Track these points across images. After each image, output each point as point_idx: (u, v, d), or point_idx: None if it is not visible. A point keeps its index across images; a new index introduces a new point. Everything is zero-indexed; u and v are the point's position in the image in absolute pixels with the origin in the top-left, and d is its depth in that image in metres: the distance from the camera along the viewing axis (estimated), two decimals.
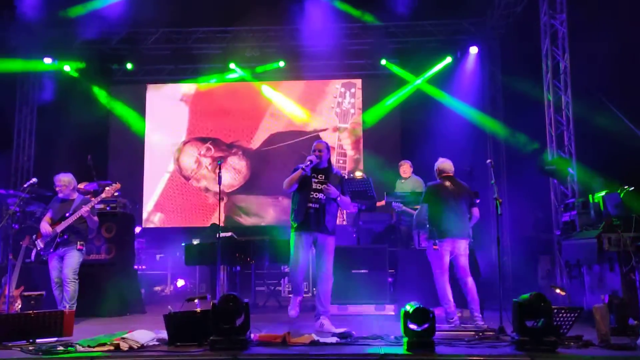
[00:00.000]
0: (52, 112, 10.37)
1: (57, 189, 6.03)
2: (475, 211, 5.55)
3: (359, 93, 11.15)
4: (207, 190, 11.19)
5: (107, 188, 6.01)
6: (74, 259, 5.87)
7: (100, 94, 11.14)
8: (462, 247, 5.45)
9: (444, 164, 5.67)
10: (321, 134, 10.99)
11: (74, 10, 9.41)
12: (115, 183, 6.14)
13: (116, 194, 6.07)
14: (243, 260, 6.63)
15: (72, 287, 5.79)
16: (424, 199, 5.61)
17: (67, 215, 5.85)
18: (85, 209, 5.79)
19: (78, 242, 5.90)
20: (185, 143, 11.32)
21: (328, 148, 5.49)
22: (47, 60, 10.35)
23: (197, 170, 11.26)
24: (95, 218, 5.97)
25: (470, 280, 5.47)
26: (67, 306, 5.71)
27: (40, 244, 5.90)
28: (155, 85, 11.50)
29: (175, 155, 11.29)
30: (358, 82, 11.23)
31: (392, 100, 10.94)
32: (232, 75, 11.13)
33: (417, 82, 10.73)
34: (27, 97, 10.80)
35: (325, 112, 11.18)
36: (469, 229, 5.53)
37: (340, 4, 9.80)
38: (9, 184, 9.77)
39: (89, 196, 6.29)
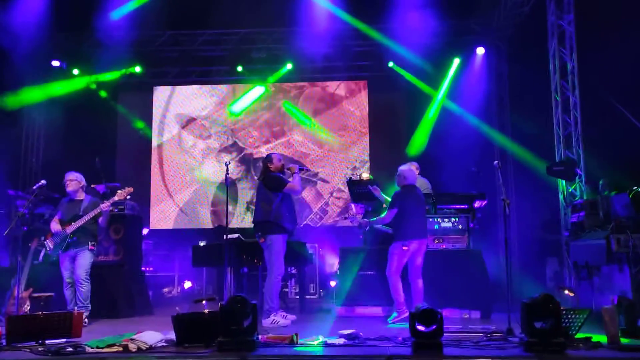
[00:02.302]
0: (60, 114, 10.44)
1: (67, 186, 6.08)
2: None
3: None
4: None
5: (119, 191, 6.09)
6: (86, 259, 5.96)
7: (107, 96, 11.20)
8: (423, 247, 5.96)
9: (409, 173, 6.09)
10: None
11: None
12: (127, 187, 6.20)
13: (128, 197, 6.15)
14: (250, 262, 6.63)
15: (85, 287, 5.90)
16: (393, 204, 5.95)
17: (81, 215, 5.93)
18: (106, 204, 5.94)
19: (89, 243, 5.98)
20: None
21: None
22: (56, 64, 10.43)
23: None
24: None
25: (420, 282, 5.86)
26: (82, 306, 5.83)
27: (49, 244, 5.95)
28: (162, 87, 11.57)
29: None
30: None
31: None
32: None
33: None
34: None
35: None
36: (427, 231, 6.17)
37: (345, 15, 9.84)
38: (18, 185, 9.83)
39: (97, 198, 6.35)
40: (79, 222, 5.90)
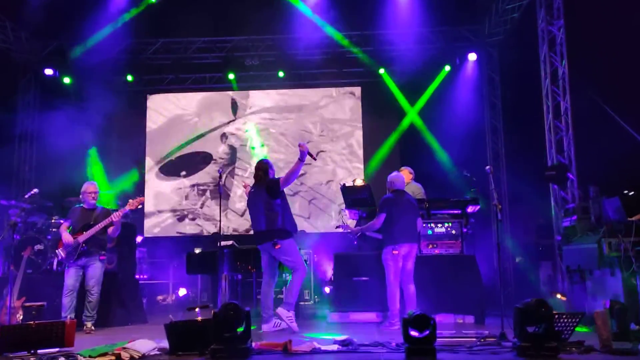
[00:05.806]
0: (53, 122, 10.40)
1: (90, 197, 6.12)
2: (419, 221, 6.08)
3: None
4: None
5: (130, 200, 6.15)
6: (98, 270, 6.04)
7: (99, 103, 11.16)
8: (414, 251, 5.98)
9: (397, 179, 6.13)
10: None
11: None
12: (139, 197, 6.27)
13: (139, 206, 6.20)
14: (244, 269, 6.62)
15: (95, 298, 6.00)
16: (382, 209, 5.98)
17: (92, 224, 5.96)
18: (117, 214, 5.98)
19: (100, 253, 6.05)
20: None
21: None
22: (48, 72, 10.43)
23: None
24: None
25: (412, 287, 5.90)
26: (90, 316, 5.94)
27: (61, 253, 5.99)
28: (155, 95, 11.56)
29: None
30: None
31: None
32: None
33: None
34: (28, 108, 10.83)
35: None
36: (418, 236, 6.14)
37: (334, 32, 9.92)
38: (10, 194, 9.77)
39: (108, 208, 6.39)
40: (91, 232, 5.94)
